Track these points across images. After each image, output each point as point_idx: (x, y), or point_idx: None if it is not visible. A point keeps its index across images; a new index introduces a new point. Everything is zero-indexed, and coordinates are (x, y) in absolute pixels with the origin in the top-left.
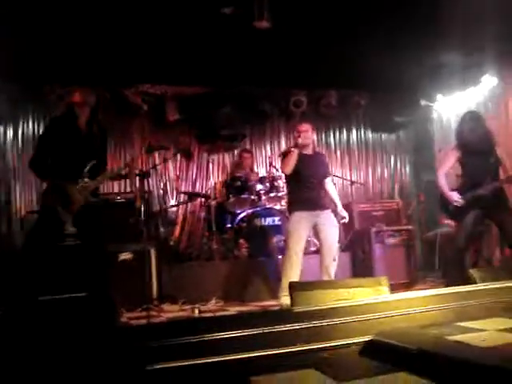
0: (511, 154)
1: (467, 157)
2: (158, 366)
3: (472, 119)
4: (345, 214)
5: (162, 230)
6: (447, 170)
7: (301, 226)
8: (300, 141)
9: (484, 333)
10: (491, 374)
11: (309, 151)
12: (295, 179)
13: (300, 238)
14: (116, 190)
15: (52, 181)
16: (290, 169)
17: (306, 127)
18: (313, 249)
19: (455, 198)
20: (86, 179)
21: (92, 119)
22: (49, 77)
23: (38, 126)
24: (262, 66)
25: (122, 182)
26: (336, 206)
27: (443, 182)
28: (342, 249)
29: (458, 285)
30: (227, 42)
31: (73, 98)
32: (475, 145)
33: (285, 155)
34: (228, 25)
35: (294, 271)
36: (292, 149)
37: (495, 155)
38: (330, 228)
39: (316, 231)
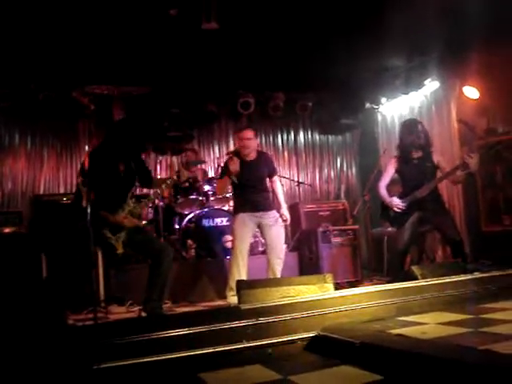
0: (450, 155)
1: (405, 162)
2: (106, 365)
3: (410, 125)
4: (287, 215)
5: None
6: (388, 181)
7: (244, 226)
8: (232, 167)
9: (425, 326)
10: (430, 364)
11: (251, 157)
12: (238, 184)
13: (244, 238)
14: (62, 190)
15: (97, 212)
16: (223, 193)
17: (248, 134)
18: (261, 249)
19: (396, 203)
20: (131, 204)
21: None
22: None
23: None
24: (209, 67)
25: (68, 183)
26: (281, 206)
27: (384, 193)
28: (290, 249)
29: None
30: (175, 42)
31: None
32: (413, 150)
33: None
34: (175, 26)
35: (240, 270)
36: (226, 175)
37: (431, 160)
38: (275, 228)
39: (262, 231)
